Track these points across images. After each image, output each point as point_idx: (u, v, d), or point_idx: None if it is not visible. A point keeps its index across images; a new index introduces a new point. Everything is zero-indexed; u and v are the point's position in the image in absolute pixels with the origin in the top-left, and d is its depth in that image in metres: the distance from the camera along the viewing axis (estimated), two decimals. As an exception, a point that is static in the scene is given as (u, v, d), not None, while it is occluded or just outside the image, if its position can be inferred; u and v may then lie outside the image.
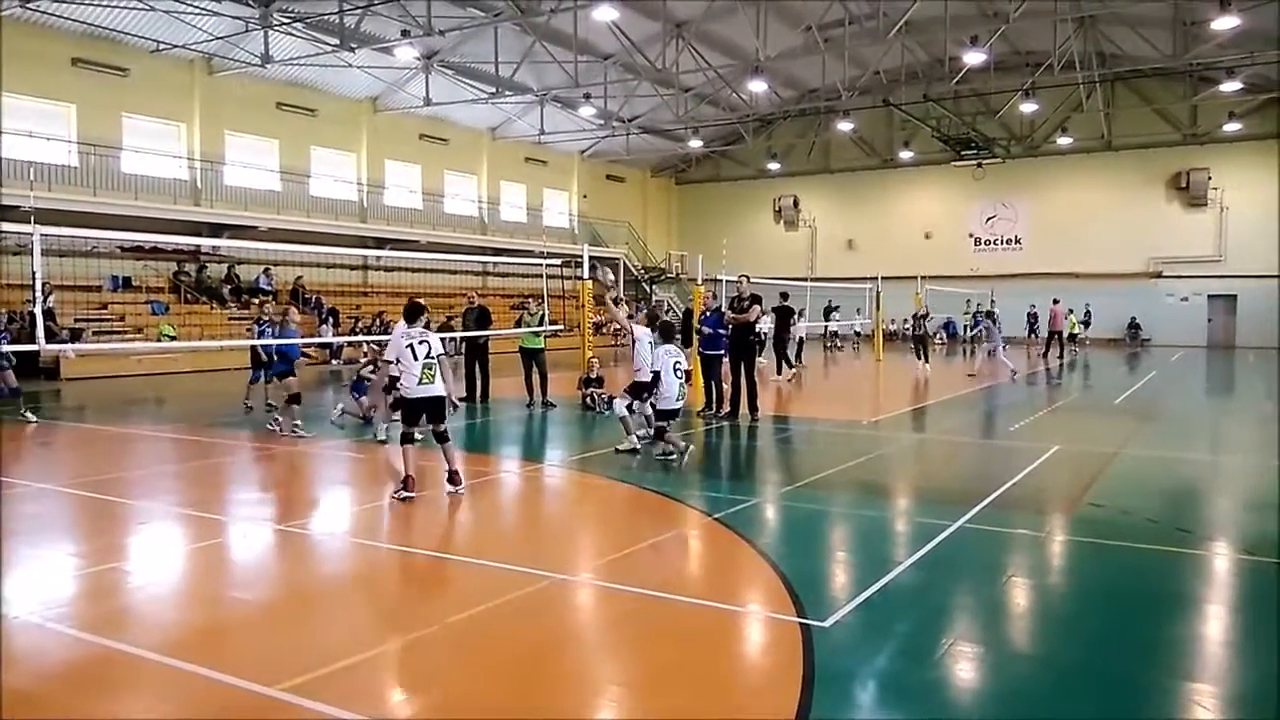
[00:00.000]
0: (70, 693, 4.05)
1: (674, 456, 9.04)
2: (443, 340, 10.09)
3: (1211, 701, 3.97)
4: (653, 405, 9.58)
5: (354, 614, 5.11)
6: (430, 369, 7.58)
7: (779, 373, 18.87)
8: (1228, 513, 7.88)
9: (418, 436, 7.78)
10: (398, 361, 7.69)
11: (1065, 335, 27.09)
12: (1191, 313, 33.95)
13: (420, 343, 7.64)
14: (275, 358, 11.71)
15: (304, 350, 12.51)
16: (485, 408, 13.87)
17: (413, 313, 7.92)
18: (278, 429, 11.16)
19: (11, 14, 19.84)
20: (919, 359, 21.34)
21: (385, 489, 8.37)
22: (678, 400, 9.36)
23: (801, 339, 23.12)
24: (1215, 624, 5.08)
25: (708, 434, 11.49)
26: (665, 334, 9.63)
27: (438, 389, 7.64)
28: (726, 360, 12.63)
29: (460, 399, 11.71)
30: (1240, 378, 22.13)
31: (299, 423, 11.12)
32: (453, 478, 7.69)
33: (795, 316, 20.46)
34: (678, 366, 9.36)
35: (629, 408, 9.71)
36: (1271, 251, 31.99)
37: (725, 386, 12.74)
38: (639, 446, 9.61)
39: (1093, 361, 26.31)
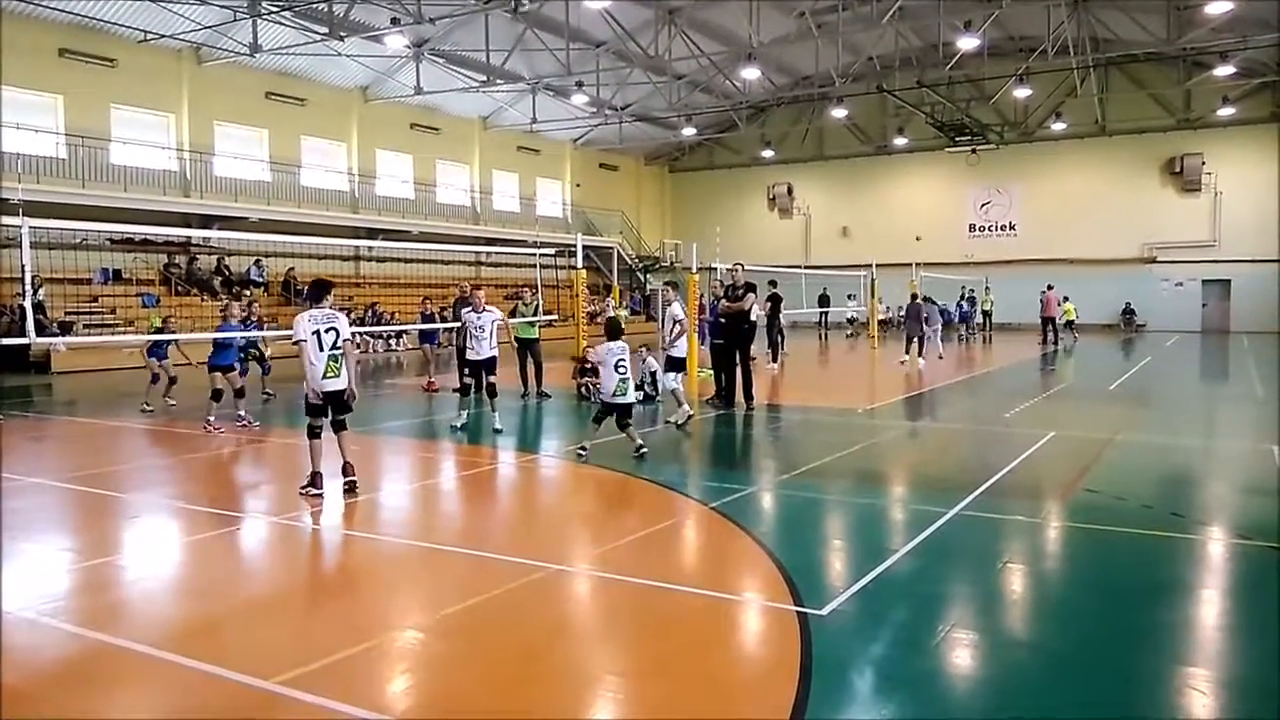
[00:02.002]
0: (65, 688, 4.02)
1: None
2: (435, 329, 10.02)
3: (1207, 685, 3.98)
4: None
5: (349, 606, 5.09)
6: (336, 360, 7.01)
7: (774, 360, 18.85)
8: (1222, 497, 7.89)
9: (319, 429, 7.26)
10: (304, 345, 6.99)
11: (1062, 322, 27.08)
12: (1186, 298, 34.02)
13: (327, 330, 7.00)
14: (214, 349, 11.52)
15: (249, 345, 12.36)
16: (479, 399, 13.79)
17: (319, 291, 7.27)
18: (227, 424, 11.02)
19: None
20: (906, 352, 19.48)
21: (380, 480, 8.38)
22: (615, 395, 8.82)
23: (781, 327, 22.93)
24: (1209, 608, 5.09)
25: (702, 423, 11.47)
26: (611, 332, 9.17)
27: (342, 382, 7.10)
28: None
29: (455, 390, 11.69)
30: (1235, 362, 22.19)
31: (211, 417, 10.96)
32: (345, 469, 7.15)
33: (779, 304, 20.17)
34: (620, 364, 8.88)
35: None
36: (1264, 236, 32.08)
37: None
38: (692, 413, 10.30)
39: (1087, 348, 26.35)
